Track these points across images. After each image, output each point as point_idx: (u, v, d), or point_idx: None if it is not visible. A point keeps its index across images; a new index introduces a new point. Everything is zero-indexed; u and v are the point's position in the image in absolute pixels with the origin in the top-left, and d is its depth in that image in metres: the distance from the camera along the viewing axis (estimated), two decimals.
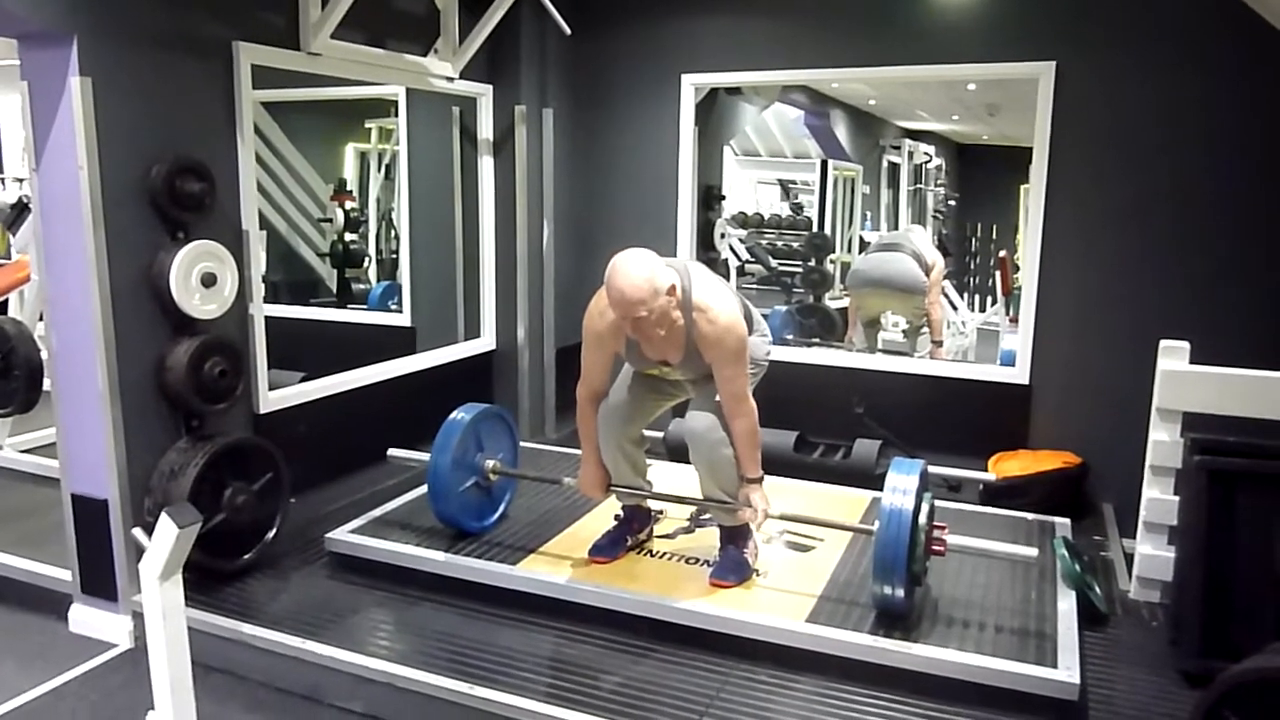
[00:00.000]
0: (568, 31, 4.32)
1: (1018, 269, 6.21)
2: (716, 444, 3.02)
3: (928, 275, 6.21)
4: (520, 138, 4.83)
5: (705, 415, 3.03)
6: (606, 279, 2.77)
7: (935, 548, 2.92)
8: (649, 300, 2.71)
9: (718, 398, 3.01)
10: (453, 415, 3.45)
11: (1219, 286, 3.85)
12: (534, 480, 3.75)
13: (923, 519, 2.87)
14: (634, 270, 2.72)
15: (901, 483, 2.88)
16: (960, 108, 8.87)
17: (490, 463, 3.49)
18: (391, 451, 3.80)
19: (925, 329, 6.45)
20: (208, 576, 3.19)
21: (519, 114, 4.81)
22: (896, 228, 9.52)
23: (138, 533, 2.21)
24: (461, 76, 4.52)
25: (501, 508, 3.63)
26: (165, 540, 2.11)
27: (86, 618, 3.23)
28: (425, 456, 3.45)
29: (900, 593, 2.81)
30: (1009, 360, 4.53)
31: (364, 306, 6.05)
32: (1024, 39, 4.07)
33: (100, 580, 3.18)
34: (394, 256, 6.11)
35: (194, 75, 3.28)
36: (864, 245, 8.64)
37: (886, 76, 4.72)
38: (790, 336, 7.04)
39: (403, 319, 5.36)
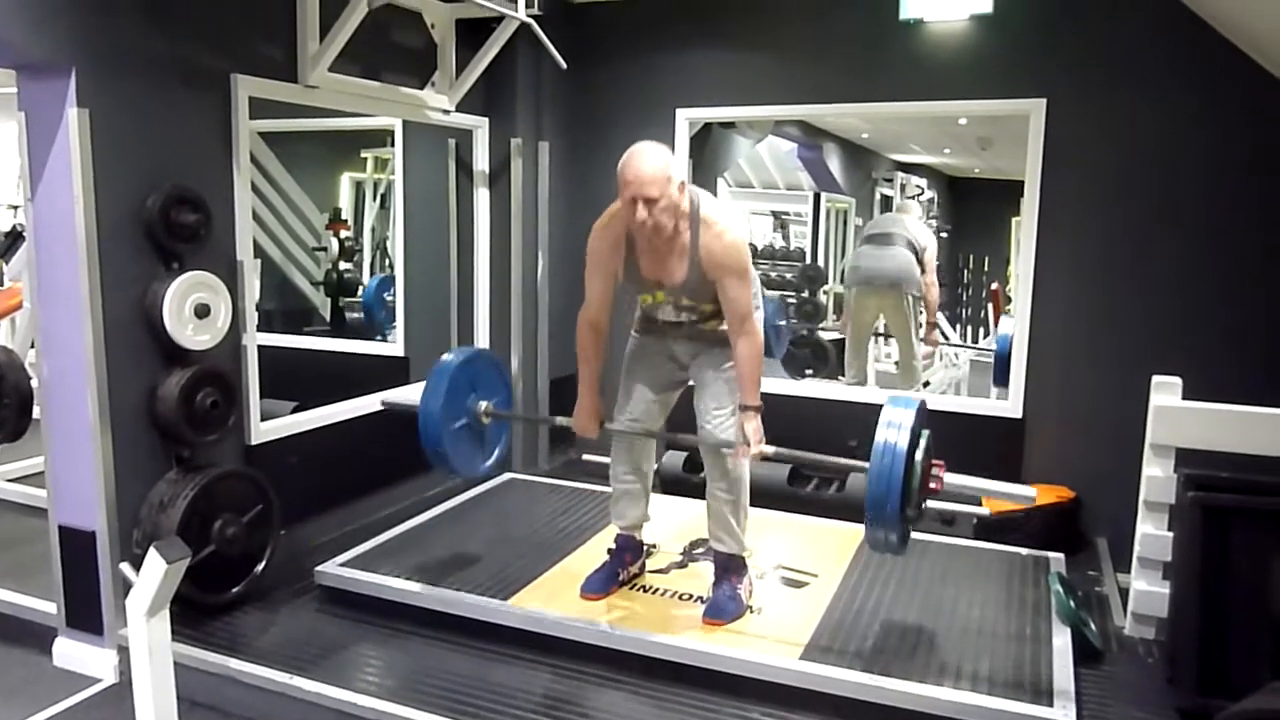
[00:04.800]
0: (564, 66, 4.35)
1: (1009, 300, 6.25)
2: (720, 502, 3.12)
3: (921, 262, 6.25)
4: (516, 170, 4.85)
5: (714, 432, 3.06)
6: (622, 162, 2.84)
7: (931, 485, 2.80)
8: (662, 184, 2.79)
9: (724, 372, 3.03)
10: (444, 357, 3.40)
11: (1211, 323, 3.87)
12: (526, 421, 3.70)
13: (919, 455, 2.73)
14: (651, 154, 2.83)
15: (897, 417, 2.74)
16: (952, 141, 8.95)
17: (483, 404, 3.40)
18: (384, 397, 3.87)
19: (917, 361, 6.46)
20: (195, 609, 3.15)
21: (515, 146, 4.83)
22: None
23: (125, 568, 2.19)
24: (458, 109, 4.54)
25: (496, 453, 3.54)
26: (153, 576, 2.09)
27: (71, 651, 3.18)
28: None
29: (894, 535, 2.72)
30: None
31: (357, 337, 6.05)
32: (1015, 76, 4.11)
33: (86, 613, 3.14)
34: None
35: (191, 107, 3.29)
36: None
37: (880, 112, 4.79)
38: (783, 322, 7.00)
39: (396, 349, 5.35)
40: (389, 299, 5.70)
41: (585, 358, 3.20)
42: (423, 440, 3.28)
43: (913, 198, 9.28)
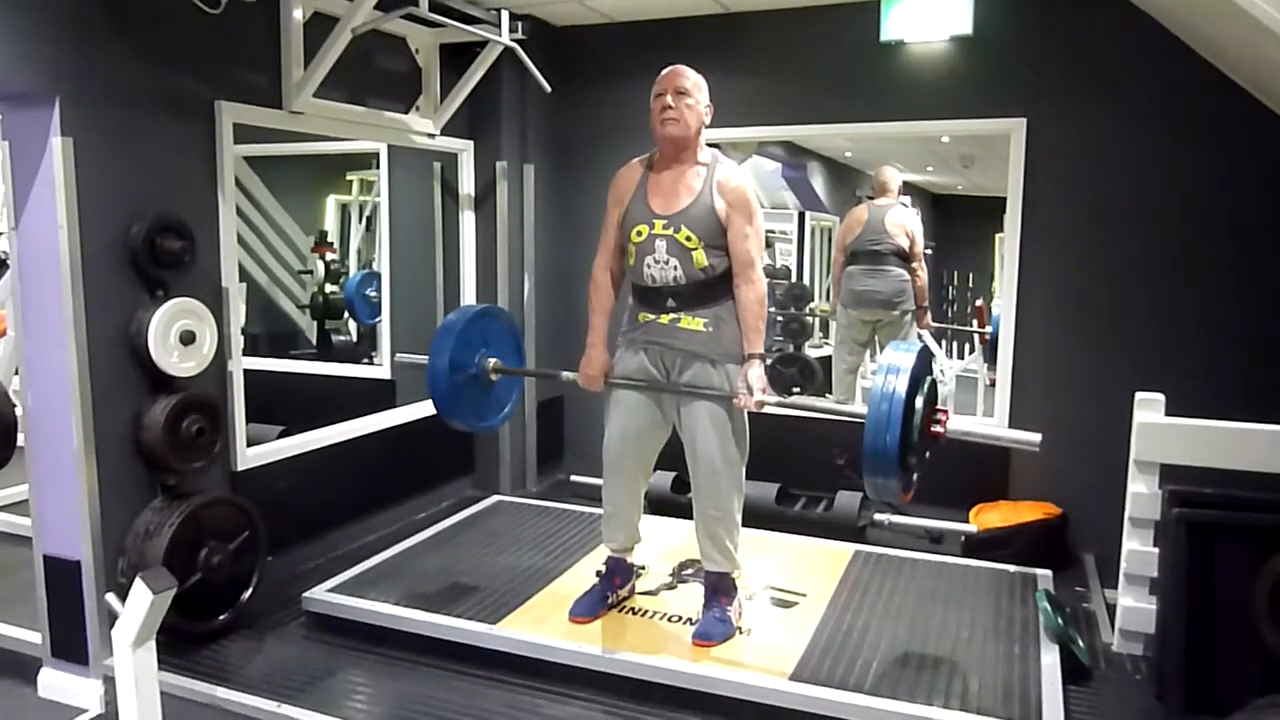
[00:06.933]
0: (548, 89, 4.38)
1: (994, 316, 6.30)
2: (712, 521, 3.11)
3: (912, 253, 6.30)
4: (501, 193, 4.87)
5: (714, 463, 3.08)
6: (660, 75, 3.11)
7: (935, 430, 2.72)
8: (696, 85, 3.07)
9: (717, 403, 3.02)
10: (455, 311, 3.48)
11: (1194, 339, 3.90)
12: (530, 375, 3.90)
13: (920, 402, 2.65)
14: (690, 69, 3.12)
15: (897, 360, 2.66)
16: (935, 159, 8.99)
17: (491, 361, 3.41)
18: (398, 356, 3.94)
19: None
20: (181, 638, 3.12)
21: (500, 170, 4.85)
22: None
23: (111, 599, 2.18)
24: (443, 133, 4.56)
25: (508, 408, 3.58)
26: (139, 606, 2.08)
27: (56, 682, 3.15)
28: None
29: (894, 482, 2.64)
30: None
31: (344, 360, 6.04)
32: (996, 97, 4.16)
33: (71, 643, 3.11)
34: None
35: (176, 134, 3.29)
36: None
37: (863, 132, 4.84)
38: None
39: (382, 372, 5.34)
40: (371, 295, 5.74)
41: (595, 308, 3.25)
42: (430, 390, 3.30)
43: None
